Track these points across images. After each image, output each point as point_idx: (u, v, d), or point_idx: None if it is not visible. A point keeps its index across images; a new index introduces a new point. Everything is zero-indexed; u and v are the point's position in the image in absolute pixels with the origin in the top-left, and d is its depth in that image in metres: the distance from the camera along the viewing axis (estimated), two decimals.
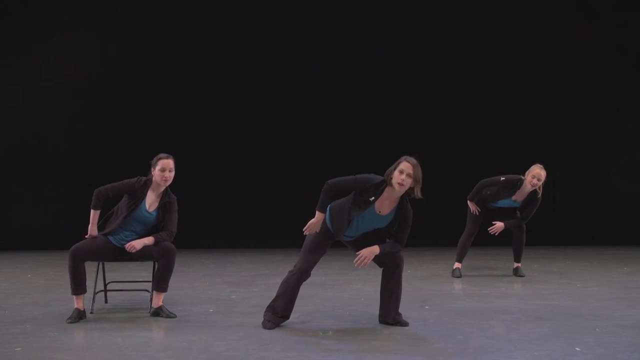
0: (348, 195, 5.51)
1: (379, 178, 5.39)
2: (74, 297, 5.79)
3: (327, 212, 5.53)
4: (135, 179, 5.94)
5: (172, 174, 5.91)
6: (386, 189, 5.36)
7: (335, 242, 5.66)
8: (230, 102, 11.22)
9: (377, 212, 5.42)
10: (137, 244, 5.81)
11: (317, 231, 5.47)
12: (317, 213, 5.41)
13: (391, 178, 5.31)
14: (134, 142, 10.91)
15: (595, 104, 11.67)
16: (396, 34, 11.35)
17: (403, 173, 5.28)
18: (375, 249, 5.38)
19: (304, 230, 5.44)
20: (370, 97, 11.39)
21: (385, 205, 5.41)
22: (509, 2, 11.53)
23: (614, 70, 11.63)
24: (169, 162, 5.90)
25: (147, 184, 5.91)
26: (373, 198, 5.36)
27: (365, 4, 11.34)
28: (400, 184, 5.29)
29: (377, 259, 5.45)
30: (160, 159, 5.90)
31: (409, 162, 5.32)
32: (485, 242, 8.61)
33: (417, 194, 5.36)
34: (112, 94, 11.14)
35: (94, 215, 5.87)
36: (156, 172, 5.88)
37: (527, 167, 7.82)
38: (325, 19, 11.32)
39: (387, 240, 5.49)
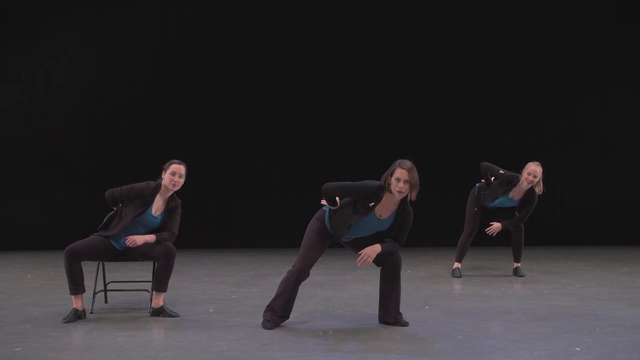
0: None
1: (376, 183, 5.36)
2: (72, 297, 5.80)
3: (326, 214, 5.53)
4: (145, 184, 5.96)
5: (182, 180, 5.95)
6: (385, 194, 5.35)
7: (334, 242, 5.66)
8: (230, 102, 11.22)
9: (378, 216, 5.41)
10: (139, 239, 5.84)
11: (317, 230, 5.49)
12: (332, 208, 5.46)
13: (389, 184, 5.30)
14: (134, 143, 10.92)
15: (596, 103, 11.67)
16: (393, 32, 11.35)
17: (400, 181, 5.25)
18: (377, 248, 5.38)
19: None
20: (368, 98, 11.39)
21: (385, 209, 5.40)
22: (506, 0, 11.55)
23: (614, 70, 11.64)
24: (181, 168, 5.94)
25: (157, 190, 5.93)
26: (373, 204, 5.36)
27: (361, 3, 11.35)
28: (400, 192, 5.27)
29: (376, 258, 5.45)
30: (172, 163, 5.96)
31: (403, 168, 5.27)
32: (485, 242, 8.62)
33: (412, 197, 5.34)
34: (112, 95, 11.13)
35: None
36: (167, 175, 5.91)
37: None
38: (322, 22, 11.32)
39: (386, 239, 5.49)
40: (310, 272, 5.55)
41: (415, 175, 5.29)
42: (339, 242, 5.66)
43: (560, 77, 11.53)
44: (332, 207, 5.47)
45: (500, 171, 7.91)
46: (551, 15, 11.50)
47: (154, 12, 11.23)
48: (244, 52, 11.23)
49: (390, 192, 5.29)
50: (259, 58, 11.24)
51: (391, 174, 5.30)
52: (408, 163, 5.32)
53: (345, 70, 11.30)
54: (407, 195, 5.34)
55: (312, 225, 5.59)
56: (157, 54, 11.20)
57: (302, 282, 5.55)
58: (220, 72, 11.20)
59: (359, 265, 5.40)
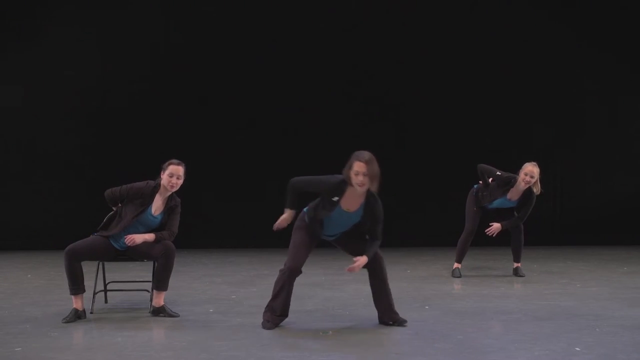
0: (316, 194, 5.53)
1: (339, 178, 5.35)
2: (72, 297, 5.80)
3: (306, 212, 5.57)
4: (145, 183, 5.95)
5: (180, 181, 5.93)
6: (349, 188, 5.34)
7: (327, 243, 5.68)
8: (230, 102, 11.21)
9: (346, 210, 5.41)
10: (138, 238, 5.84)
11: (301, 228, 5.54)
12: (286, 210, 5.48)
13: (349, 178, 5.28)
14: (134, 143, 10.91)
15: (595, 104, 11.67)
16: (390, 33, 11.35)
17: (359, 174, 5.23)
18: (364, 259, 5.41)
19: (274, 227, 5.48)
20: (366, 99, 11.36)
21: (351, 202, 5.40)
22: (504, 1, 11.54)
23: (614, 70, 11.62)
24: (179, 169, 5.92)
25: (156, 189, 5.93)
26: (337, 198, 5.35)
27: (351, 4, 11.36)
28: (360, 185, 5.26)
29: (357, 252, 5.49)
30: (171, 164, 5.94)
31: (361, 160, 5.24)
32: (485, 242, 8.60)
33: (372, 189, 5.31)
34: (112, 95, 11.13)
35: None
36: (165, 176, 5.90)
37: None
38: (323, 24, 11.31)
39: (367, 241, 5.49)
40: (310, 272, 5.56)
41: (374, 166, 5.25)
42: (328, 241, 5.67)
43: (560, 77, 11.52)
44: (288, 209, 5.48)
45: (497, 172, 7.91)
46: (550, 15, 11.49)
47: (154, 11, 11.22)
48: (241, 53, 11.21)
49: (352, 185, 5.28)
50: (257, 59, 11.22)
51: (350, 167, 5.28)
52: (366, 155, 5.28)
53: (345, 71, 11.29)
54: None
55: (298, 224, 5.63)
56: (157, 54, 11.20)
57: (302, 282, 5.56)
58: (220, 72, 11.19)
59: (346, 270, 5.41)
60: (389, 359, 4.72)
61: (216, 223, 11.18)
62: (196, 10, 11.23)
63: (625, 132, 11.73)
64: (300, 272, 5.56)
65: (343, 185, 5.33)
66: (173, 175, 5.90)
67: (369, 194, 5.37)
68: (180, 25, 11.27)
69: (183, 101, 11.17)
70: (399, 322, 5.59)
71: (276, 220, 5.51)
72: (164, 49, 11.20)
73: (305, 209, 5.62)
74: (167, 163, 5.95)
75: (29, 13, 10.96)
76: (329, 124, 11.24)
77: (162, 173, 5.94)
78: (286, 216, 5.49)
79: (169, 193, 5.97)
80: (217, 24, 11.23)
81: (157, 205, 5.95)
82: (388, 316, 5.61)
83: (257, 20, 11.23)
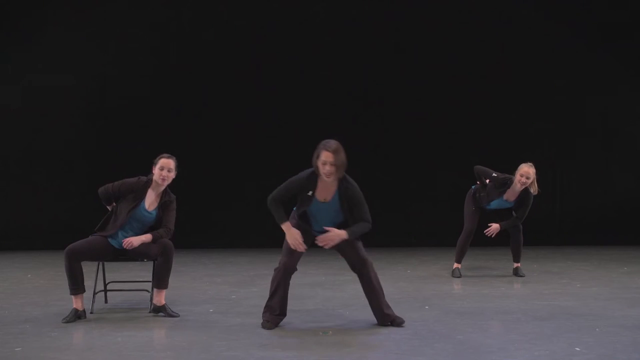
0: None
1: (308, 172, 5.39)
2: (72, 297, 5.80)
3: (295, 210, 5.61)
4: (136, 178, 5.97)
5: (172, 174, 5.93)
6: (319, 179, 5.36)
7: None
8: (230, 101, 11.22)
9: (322, 201, 5.43)
10: (135, 240, 5.83)
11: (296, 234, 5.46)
12: (282, 226, 5.42)
13: (317, 168, 5.30)
14: (133, 143, 10.90)
15: (595, 103, 11.67)
16: (386, 33, 11.34)
17: (326, 164, 5.26)
18: (342, 234, 5.33)
19: (297, 249, 5.41)
20: (364, 99, 11.37)
21: (326, 192, 5.42)
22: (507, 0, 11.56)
23: (614, 70, 11.63)
24: (169, 162, 5.92)
25: (148, 184, 5.94)
26: (311, 192, 5.39)
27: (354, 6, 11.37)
28: (328, 175, 5.28)
29: (344, 253, 5.49)
30: (161, 157, 5.95)
31: (328, 150, 5.26)
32: (484, 242, 8.60)
33: (337, 176, 5.30)
34: (111, 95, 11.13)
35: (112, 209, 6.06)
36: (156, 170, 5.91)
37: None
38: (324, 26, 11.33)
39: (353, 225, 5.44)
40: (311, 272, 5.56)
41: (341, 156, 5.28)
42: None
43: (560, 76, 11.52)
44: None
45: (494, 174, 7.90)
46: (551, 15, 11.49)
47: (154, 11, 11.22)
48: (241, 52, 11.22)
49: (320, 175, 5.31)
50: (256, 58, 11.23)
51: (317, 157, 5.30)
52: (333, 145, 5.30)
53: (342, 72, 11.29)
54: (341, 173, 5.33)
55: (290, 222, 5.62)
56: (157, 54, 11.20)
57: (302, 282, 5.56)
58: (220, 72, 11.19)
59: (320, 243, 5.36)
60: (389, 359, 4.72)
61: (216, 223, 11.18)
62: (196, 10, 11.24)
63: (625, 132, 11.73)
64: (295, 269, 5.57)
65: (313, 177, 5.38)
66: (164, 168, 5.90)
67: (340, 180, 5.37)
68: (180, 25, 11.28)
69: (183, 101, 11.17)
70: (396, 322, 5.58)
71: (274, 220, 5.49)
72: (164, 48, 11.20)
73: (294, 208, 5.65)
74: (158, 157, 5.97)
75: (29, 13, 10.96)
76: (328, 124, 11.19)
77: (153, 167, 5.95)
78: (288, 232, 5.41)
79: (162, 188, 5.97)
80: (216, 24, 11.23)
81: (150, 201, 5.95)
82: (383, 319, 5.60)
83: (256, 20, 11.23)
